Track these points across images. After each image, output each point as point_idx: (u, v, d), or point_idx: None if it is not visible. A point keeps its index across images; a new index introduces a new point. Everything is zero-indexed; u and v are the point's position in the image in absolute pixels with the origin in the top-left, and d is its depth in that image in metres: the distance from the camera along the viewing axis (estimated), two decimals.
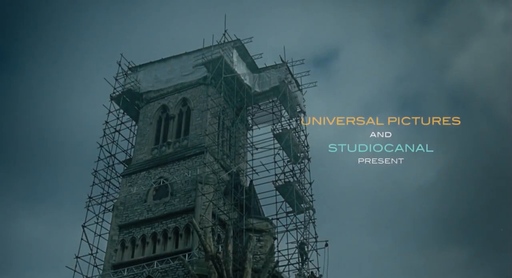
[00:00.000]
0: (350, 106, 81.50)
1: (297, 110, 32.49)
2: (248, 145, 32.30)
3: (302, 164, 29.89)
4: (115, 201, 29.35)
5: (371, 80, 79.90)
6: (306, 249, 26.79)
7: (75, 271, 26.69)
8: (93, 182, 29.85)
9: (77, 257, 27.08)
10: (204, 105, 30.23)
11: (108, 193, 29.82)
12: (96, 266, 27.38)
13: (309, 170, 29.91)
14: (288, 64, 32.54)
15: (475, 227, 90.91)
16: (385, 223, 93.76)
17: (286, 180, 28.50)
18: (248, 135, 33.63)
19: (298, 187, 28.48)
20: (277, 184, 28.30)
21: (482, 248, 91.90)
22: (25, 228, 79.52)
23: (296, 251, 26.50)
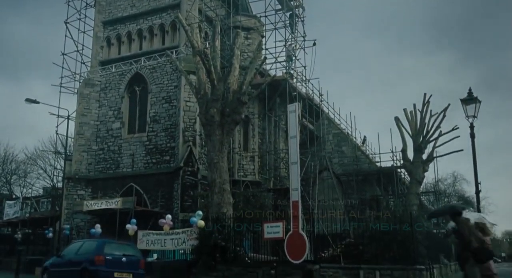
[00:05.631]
0: None
1: None
2: None
3: None
4: None
5: None
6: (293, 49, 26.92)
7: (63, 67, 26.87)
8: None
9: (63, 54, 27.01)
10: None
11: None
12: (84, 63, 27.50)
13: None
14: None
15: (464, 33, 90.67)
16: (378, 25, 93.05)
17: None
18: None
19: None
20: None
21: (468, 53, 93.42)
22: (9, 27, 78.02)
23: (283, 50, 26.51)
